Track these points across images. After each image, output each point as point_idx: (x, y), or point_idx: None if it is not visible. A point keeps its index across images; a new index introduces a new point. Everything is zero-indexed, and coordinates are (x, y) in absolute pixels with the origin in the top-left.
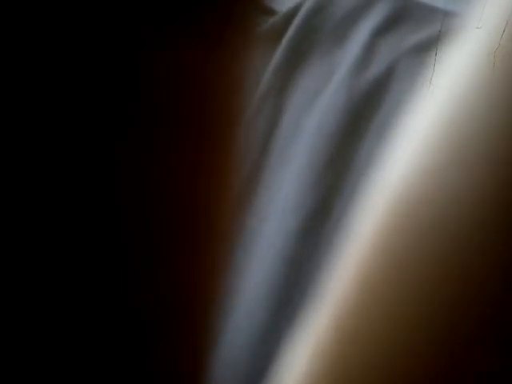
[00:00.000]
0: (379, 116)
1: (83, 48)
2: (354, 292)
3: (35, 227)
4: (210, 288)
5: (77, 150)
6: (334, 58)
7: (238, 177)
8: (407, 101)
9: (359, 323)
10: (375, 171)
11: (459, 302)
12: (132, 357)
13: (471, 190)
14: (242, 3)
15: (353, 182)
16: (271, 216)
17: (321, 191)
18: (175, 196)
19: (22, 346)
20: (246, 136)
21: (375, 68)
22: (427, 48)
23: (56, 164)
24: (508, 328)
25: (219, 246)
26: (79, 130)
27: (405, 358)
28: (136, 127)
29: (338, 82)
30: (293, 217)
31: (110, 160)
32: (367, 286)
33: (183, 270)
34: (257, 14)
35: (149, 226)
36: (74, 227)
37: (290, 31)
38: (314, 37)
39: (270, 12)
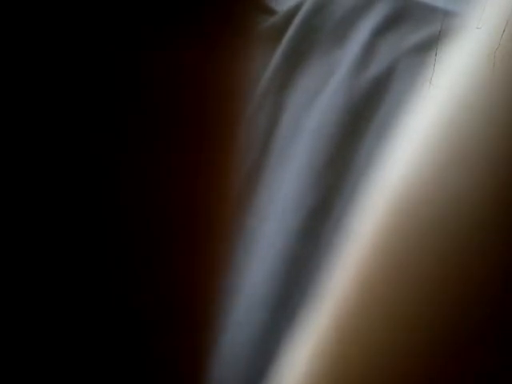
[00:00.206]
0: (379, 116)
1: (83, 48)
2: (353, 292)
3: (35, 227)
4: (209, 288)
5: (77, 150)
6: (334, 57)
7: (238, 177)
8: (407, 101)
9: (359, 323)
10: (375, 171)
11: (459, 302)
12: (132, 357)
13: (471, 190)
14: (242, 3)
15: (353, 182)
16: (271, 216)
17: (321, 191)
18: (175, 196)
19: (21, 346)
20: (246, 136)
21: (375, 68)
22: (427, 48)
23: (56, 164)
24: (508, 328)
25: (219, 245)
26: (79, 129)
27: (405, 358)
28: (136, 127)
29: (338, 81)
30: (293, 216)
31: (110, 160)
32: (367, 286)
33: (183, 269)
34: (257, 14)
35: (149, 226)
36: (74, 227)
37: (290, 31)
38: (314, 36)
39: (270, 12)
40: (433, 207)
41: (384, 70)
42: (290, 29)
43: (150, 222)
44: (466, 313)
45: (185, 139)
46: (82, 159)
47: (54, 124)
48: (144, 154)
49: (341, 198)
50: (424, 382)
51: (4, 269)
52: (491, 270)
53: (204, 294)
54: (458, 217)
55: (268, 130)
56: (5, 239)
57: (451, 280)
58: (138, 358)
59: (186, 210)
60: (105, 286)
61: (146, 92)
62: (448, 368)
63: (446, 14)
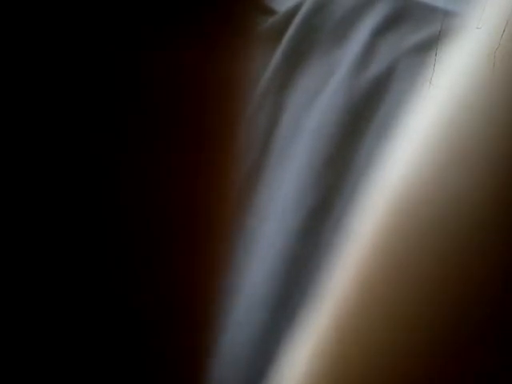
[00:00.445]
0: (379, 116)
1: (83, 48)
2: (354, 292)
3: (35, 227)
4: (209, 288)
5: (77, 150)
6: (334, 57)
7: (238, 177)
8: (407, 101)
9: (359, 323)
10: (375, 171)
11: (459, 302)
12: (132, 357)
13: (471, 190)
14: (242, 3)
15: (353, 182)
16: (271, 215)
17: (321, 191)
18: (175, 196)
19: (21, 346)
20: (246, 136)
21: (375, 68)
22: (427, 48)
23: (56, 164)
24: (508, 328)
25: (219, 245)
26: (79, 129)
27: (405, 358)
28: (136, 127)
29: (338, 81)
30: (293, 216)
31: (110, 160)
32: (367, 286)
33: (183, 269)
34: (257, 14)
35: (149, 226)
36: (74, 227)
37: (290, 31)
38: (314, 36)
39: (270, 12)
40: (433, 207)
41: (384, 69)
42: (289, 29)
43: (149, 222)
44: (466, 313)
45: (185, 139)
46: (82, 159)
47: (54, 124)
48: (144, 153)
49: (341, 198)
50: (424, 382)
51: (4, 269)
52: (491, 269)
53: (204, 294)
54: (458, 217)
55: (268, 130)
56: (5, 239)
57: (451, 280)
58: (138, 358)
59: (186, 209)
60: (105, 285)
61: (146, 92)
62: (448, 368)
63: (445, 14)
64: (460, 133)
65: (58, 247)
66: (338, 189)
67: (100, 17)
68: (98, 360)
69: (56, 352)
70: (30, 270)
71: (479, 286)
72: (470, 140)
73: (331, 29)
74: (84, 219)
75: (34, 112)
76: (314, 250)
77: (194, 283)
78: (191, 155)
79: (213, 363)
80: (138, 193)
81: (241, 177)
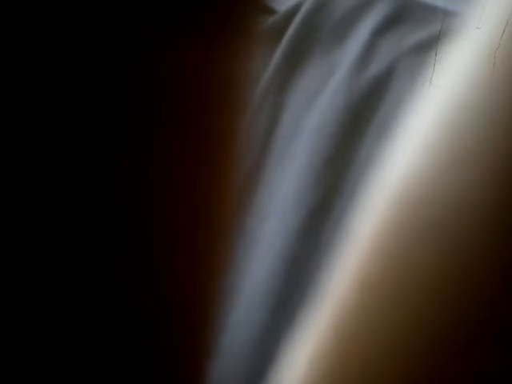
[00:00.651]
0: (379, 116)
1: (83, 48)
2: (353, 292)
3: (35, 227)
4: (209, 288)
5: (77, 150)
6: (334, 57)
7: (238, 176)
8: (407, 100)
9: (359, 323)
10: (375, 171)
11: (459, 302)
12: (132, 357)
13: (471, 190)
14: (242, 3)
15: (353, 182)
16: (271, 215)
17: (321, 191)
18: (175, 196)
19: (21, 346)
20: (246, 136)
21: (375, 67)
22: (427, 48)
23: (56, 164)
24: (508, 328)
25: (219, 245)
26: (79, 129)
27: (405, 358)
28: (136, 127)
29: (338, 81)
30: (293, 216)
31: (110, 160)
32: (367, 286)
33: (183, 269)
34: (257, 14)
35: (148, 226)
36: (74, 227)
37: (290, 31)
38: (314, 36)
39: (270, 11)
40: (433, 207)
41: (384, 69)
42: (290, 28)
43: (149, 222)
44: (466, 313)
45: (185, 139)
46: (82, 159)
47: (54, 124)
48: (144, 153)
49: (341, 198)
50: (424, 382)
51: (4, 269)
52: (491, 269)
53: (204, 294)
54: (458, 217)
55: (268, 129)
56: (5, 239)
57: (451, 280)
58: (138, 358)
59: (186, 209)
60: (105, 285)
61: (146, 92)
62: (448, 368)
63: (446, 14)
64: (460, 133)
65: (57, 247)
66: (338, 189)
67: (100, 17)
68: (98, 360)
69: (56, 352)
70: (30, 270)
71: (479, 286)
72: (470, 140)
73: (331, 28)
74: (84, 219)
75: (34, 112)
76: (314, 250)
77: (194, 283)
78: (191, 155)
79: (213, 363)
80: (138, 193)
81: (241, 177)
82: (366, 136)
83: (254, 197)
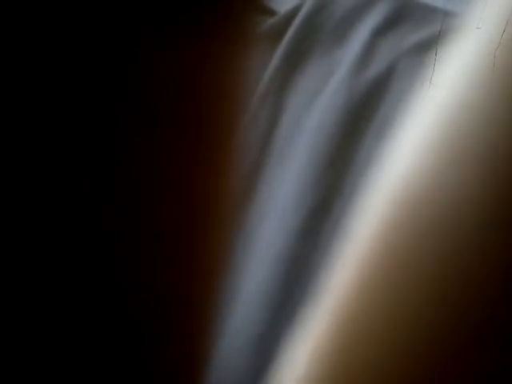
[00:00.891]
0: (379, 116)
1: (84, 48)
2: (353, 291)
3: (35, 227)
4: (209, 287)
5: (77, 150)
6: (334, 57)
7: (238, 176)
8: (407, 100)
9: (359, 323)
10: (375, 171)
11: (459, 302)
12: (131, 358)
13: (471, 189)
14: (242, 4)
15: (353, 182)
16: (271, 215)
17: (321, 191)
18: (175, 196)
19: (21, 347)
20: (246, 136)
21: (375, 68)
22: (427, 48)
23: (56, 164)
24: (508, 328)
25: (219, 245)
26: (79, 129)
27: (405, 358)
28: (136, 127)
29: (338, 81)
30: (293, 216)
31: (110, 160)
32: (367, 286)
33: (183, 269)
34: (257, 15)
35: (148, 226)
36: (74, 227)
37: (290, 31)
38: (314, 36)
39: (270, 12)
40: (433, 207)
41: (384, 69)
42: (290, 29)
43: (149, 222)
44: (466, 313)
45: (185, 139)
46: (82, 159)
47: (54, 124)
48: (144, 153)
49: (341, 198)
50: (424, 382)
51: (4, 269)
52: (491, 269)
53: (204, 294)
54: (458, 217)
55: (268, 129)
56: (5, 239)
57: (451, 280)
58: (137, 360)
59: (186, 209)
60: (103, 287)
61: (146, 92)
62: (448, 368)
63: (446, 14)
64: (460, 133)
65: (57, 248)
66: (337, 188)
67: (100, 17)
68: (97, 362)
69: (54, 354)
70: (30, 269)
71: (479, 286)
72: (470, 140)
73: (331, 29)
74: (83, 219)
75: (34, 111)
76: (314, 250)
77: (194, 283)
78: (191, 155)
79: (213, 363)
80: (138, 193)
81: (241, 177)
82: (366, 136)
83: (254, 196)
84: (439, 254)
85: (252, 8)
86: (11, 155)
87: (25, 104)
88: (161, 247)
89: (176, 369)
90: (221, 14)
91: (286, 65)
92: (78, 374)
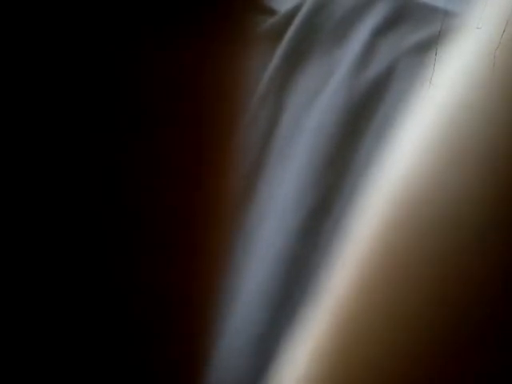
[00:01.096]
0: (379, 115)
1: (84, 48)
2: (353, 291)
3: (35, 227)
4: (209, 288)
5: (77, 150)
6: (334, 57)
7: (238, 176)
8: (407, 100)
9: (359, 323)
10: (375, 170)
11: (459, 301)
12: (131, 358)
13: (471, 189)
14: (242, 3)
15: (353, 182)
16: (271, 215)
17: (321, 190)
18: (175, 196)
19: (21, 348)
20: (246, 135)
21: (375, 67)
22: (427, 48)
23: (56, 163)
24: (508, 328)
25: (219, 245)
26: (79, 129)
27: (405, 358)
28: (136, 127)
29: (338, 81)
30: (293, 216)
31: (110, 160)
32: (367, 286)
33: (183, 269)
34: (257, 14)
35: (148, 226)
36: (74, 227)
37: (290, 31)
38: (315, 36)
39: (270, 12)
40: (433, 207)
41: (384, 69)
42: (290, 29)
43: (148, 222)
44: (466, 313)
45: (185, 139)
46: (82, 159)
47: (54, 124)
48: (144, 153)
49: (341, 198)
50: (424, 382)
51: (4, 269)
52: (491, 269)
53: (204, 294)
54: (458, 217)
55: (268, 129)
56: (5, 239)
57: (451, 280)
58: (137, 360)
59: (186, 209)
60: (103, 287)
61: (146, 92)
62: (448, 368)
63: (446, 14)
64: (460, 133)
65: (57, 248)
66: (337, 188)
67: (100, 17)
68: (97, 362)
69: (55, 354)
70: (30, 269)
71: (479, 286)
72: (470, 140)
73: (331, 29)
74: (83, 219)
75: (34, 111)
76: (314, 250)
77: (194, 283)
78: (191, 155)
79: (213, 363)
80: (138, 192)
81: (241, 176)
82: (366, 136)
83: (254, 196)
84: (439, 254)
85: (252, 8)
86: (11, 155)
87: (25, 104)
88: (161, 247)
89: (176, 369)
90: (221, 13)
91: (286, 64)
92: (78, 373)
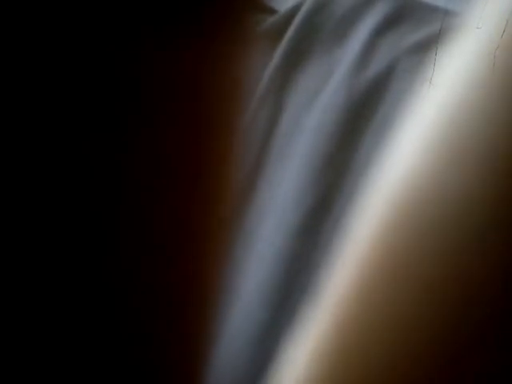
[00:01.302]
0: (379, 115)
1: (83, 48)
2: (353, 291)
3: (34, 228)
4: (209, 288)
5: (77, 150)
6: (334, 56)
7: (238, 176)
8: (407, 100)
9: (359, 323)
10: (375, 170)
11: (459, 301)
12: (130, 359)
13: (471, 189)
14: (242, 3)
15: (352, 181)
16: (271, 214)
17: (320, 190)
18: (175, 195)
19: (21, 347)
20: (246, 135)
21: (375, 67)
22: (427, 47)
23: (56, 164)
24: (508, 328)
25: (219, 245)
26: (79, 129)
27: (405, 358)
28: (136, 127)
29: (338, 80)
30: (292, 215)
31: (110, 160)
32: (367, 286)
33: (182, 269)
34: (257, 14)
35: (147, 227)
36: (73, 227)
37: (290, 30)
38: (315, 36)
39: (271, 11)
40: (433, 207)
41: (384, 69)
42: (290, 28)
43: (148, 222)
44: (466, 313)
45: (184, 139)
46: (82, 159)
47: (53, 124)
48: (143, 153)
49: (340, 197)
50: (424, 382)
51: (4, 270)
52: (491, 269)
53: (203, 293)
54: (458, 217)
55: (268, 129)
56: (4, 239)
57: (451, 280)
58: (136, 359)
59: (186, 209)
60: (103, 286)
61: (146, 92)
62: (448, 368)
63: (446, 14)
64: (460, 133)
65: (56, 248)
66: (337, 187)
67: (100, 17)
68: (96, 361)
69: (54, 354)
70: (30, 270)
71: (479, 286)
72: (470, 140)
73: (331, 28)
74: (83, 219)
75: (34, 111)
76: (314, 249)
77: (193, 282)
78: (191, 155)
79: (212, 362)
80: (138, 192)
81: (241, 176)
82: (366, 135)
83: (254, 196)
84: (439, 254)
85: (252, 7)
86: (11, 155)
87: (25, 104)
88: (161, 247)
89: (175, 369)
90: (221, 13)
91: (286, 64)
92: (77, 374)
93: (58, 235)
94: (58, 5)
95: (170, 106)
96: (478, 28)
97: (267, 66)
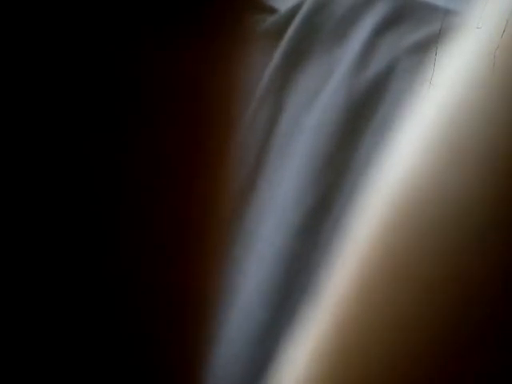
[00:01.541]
0: (379, 115)
1: (83, 48)
2: (353, 291)
3: (34, 228)
4: (209, 288)
5: (77, 150)
6: (334, 56)
7: (238, 175)
8: (407, 100)
9: (359, 323)
10: (375, 170)
11: (459, 301)
12: (129, 360)
13: (471, 189)
14: (242, 3)
15: (352, 181)
16: (271, 214)
17: (320, 189)
18: (174, 195)
19: (21, 348)
20: (246, 135)
21: (375, 67)
22: (427, 47)
23: (56, 164)
24: (508, 328)
25: (219, 245)
26: (79, 129)
27: (405, 357)
28: (136, 127)
29: (338, 80)
30: (292, 215)
31: (109, 160)
32: (367, 286)
33: (182, 269)
34: (257, 13)
35: (147, 227)
36: (73, 227)
37: (291, 30)
38: (315, 36)
39: (271, 11)
40: (433, 207)
41: (384, 69)
42: (290, 28)
43: (148, 222)
44: (466, 313)
45: (185, 139)
46: (81, 159)
47: (54, 123)
48: (144, 153)
49: (340, 197)
50: (424, 382)
51: (4, 270)
52: (491, 269)
53: (203, 293)
54: (458, 217)
55: (268, 128)
56: (4, 240)
57: (451, 280)
58: (136, 360)
59: (185, 209)
60: (102, 286)
61: (146, 92)
62: (448, 368)
63: (446, 13)
64: (460, 133)
65: (56, 248)
66: (337, 187)
67: (100, 17)
68: (95, 364)
69: (54, 354)
70: (29, 270)
71: (479, 286)
72: (470, 140)
73: (331, 28)
74: (82, 220)
75: (34, 111)
76: (314, 249)
77: (193, 282)
78: (191, 155)
79: (212, 362)
80: (138, 193)
81: (241, 176)
82: (366, 135)
83: (254, 196)
84: (439, 254)
85: (252, 7)
86: (10, 155)
87: (25, 104)
88: (161, 247)
89: (175, 369)
90: (221, 13)
91: (286, 64)
92: (77, 374)
93: (58, 235)
94: (58, 5)
95: (170, 106)
96: (478, 28)
97: (267, 66)
